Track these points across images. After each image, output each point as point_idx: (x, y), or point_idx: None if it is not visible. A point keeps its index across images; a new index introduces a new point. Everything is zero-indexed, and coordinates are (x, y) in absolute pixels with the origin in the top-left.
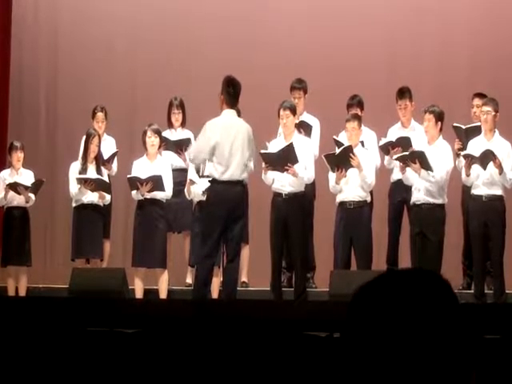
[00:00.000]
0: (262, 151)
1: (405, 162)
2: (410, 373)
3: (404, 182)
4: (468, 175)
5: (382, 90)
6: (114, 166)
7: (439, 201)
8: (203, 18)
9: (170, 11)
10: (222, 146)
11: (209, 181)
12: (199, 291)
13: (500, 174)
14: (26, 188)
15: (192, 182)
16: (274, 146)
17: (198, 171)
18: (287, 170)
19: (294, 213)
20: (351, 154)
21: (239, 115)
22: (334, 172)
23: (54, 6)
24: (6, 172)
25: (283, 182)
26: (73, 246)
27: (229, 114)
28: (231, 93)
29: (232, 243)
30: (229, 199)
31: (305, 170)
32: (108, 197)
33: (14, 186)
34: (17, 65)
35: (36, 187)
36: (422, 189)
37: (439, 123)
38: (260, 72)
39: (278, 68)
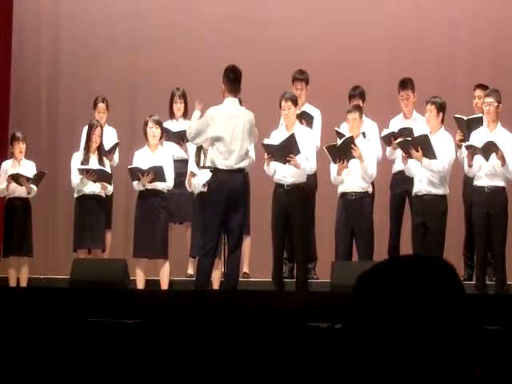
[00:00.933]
0: (264, 142)
1: (407, 150)
2: (414, 361)
3: (406, 172)
4: (470, 166)
5: (383, 82)
6: (116, 156)
7: (441, 191)
8: (205, 11)
9: (172, 3)
10: (224, 135)
11: (210, 170)
12: (200, 281)
13: (502, 165)
14: (28, 179)
15: (193, 174)
16: (276, 137)
17: (197, 163)
18: (289, 161)
19: (296, 204)
20: (353, 145)
21: (241, 104)
22: (335, 163)
23: (55, 3)
24: (8, 163)
25: (285, 173)
26: (74, 237)
27: (231, 102)
28: (231, 78)
29: (233, 234)
30: (229, 187)
31: (306, 161)
32: (110, 187)
33: (15, 177)
34: (18, 56)
35: (38, 178)
36: (424, 179)
37: (441, 114)
38: (262, 63)
39: (280, 59)
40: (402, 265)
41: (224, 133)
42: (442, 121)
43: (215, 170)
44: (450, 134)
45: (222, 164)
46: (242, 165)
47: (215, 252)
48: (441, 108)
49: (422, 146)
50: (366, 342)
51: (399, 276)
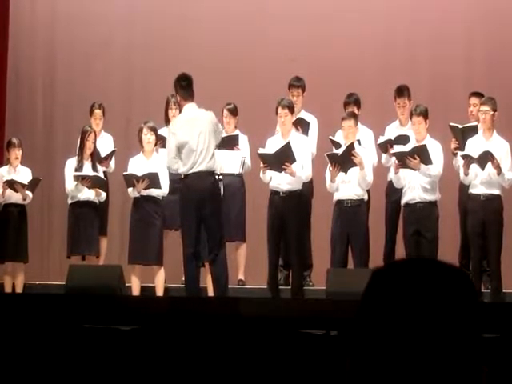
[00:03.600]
0: (260, 151)
1: (402, 159)
2: (423, 363)
3: (395, 183)
4: (466, 175)
5: (377, 89)
6: (112, 163)
7: (433, 197)
8: (201, 19)
9: (167, 12)
10: (187, 141)
11: (180, 178)
12: (188, 287)
13: (498, 174)
14: (23, 185)
15: None
16: (272, 144)
17: None
18: (285, 169)
19: (291, 211)
20: (353, 152)
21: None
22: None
23: (51, 6)
24: (4, 169)
25: (280, 180)
26: (68, 243)
27: (188, 107)
28: (184, 85)
29: (212, 237)
30: (198, 190)
31: (302, 169)
32: (104, 194)
33: (11, 184)
34: (14, 62)
35: (33, 185)
36: (417, 187)
37: (427, 121)
38: (258, 70)
39: (276, 66)
40: (417, 267)
41: (187, 139)
42: (427, 128)
43: (184, 176)
44: (436, 140)
45: (189, 170)
46: (210, 168)
47: (198, 257)
48: (426, 115)
49: (419, 155)
50: (376, 340)
51: (414, 277)
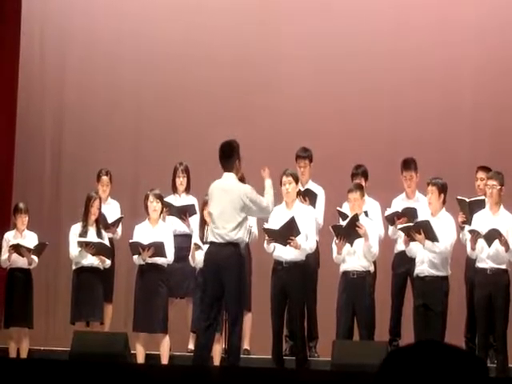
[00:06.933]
0: (265, 226)
1: (409, 233)
2: None
3: (407, 253)
4: (473, 249)
5: (385, 161)
6: (119, 230)
7: (443, 273)
8: (207, 89)
9: (174, 79)
10: (215, 209)
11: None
12: (196, 354)
13: (506, 251)
14: (29, 250)
15: (197, 247)
16: (276, 214)
17: (201, 238)
18: (289, 243)
19: (294, 281)
20: (357, 223)
21: (243, 180)
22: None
23: (60, 73)
24: (11, 234)
25: (283, 251)
26: (72, 309)
27: (225, 176)
28: (224, 154)
29: (229, 310)
30: (218, 260)
31: (306, 240)
32: (108, 261)
33: (17, 248)
34: (22, 128)
35: (39, 250)
36: (425, 261)
37: (442, 195)
38: (265, 139)
39: (283, 136)
40: (429, 351)
41: (215, 207)
42: (444, 202)
43: (210, 244)
44: (451, 215)
45: (212, 238)
46: (233, 238)
47: (211, 324)
48: (442, 189)
49: (423, 230)
50: None
51: (426, 362)
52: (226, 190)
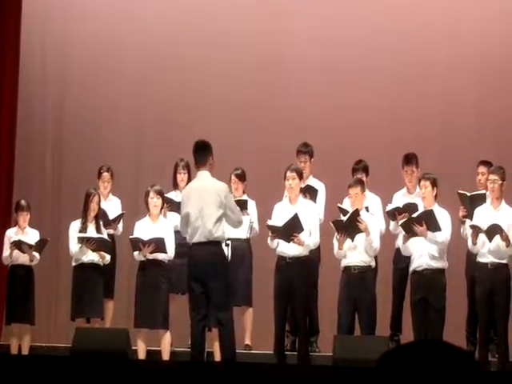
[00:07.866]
0: (268, 223)
1: (409, 229)
2: None
3: (402, 252)
4: (474, 244)
5: (386, 156)
6: (120, 226)
7: (440, 265)
8: (210, 86)
9: (176, 79)
10: (194, 207)
11: (188, 246)
12: (192, 349)
13: (507, 246)
14: (31, 246)
15: None
16: (279, 211)
17: None
18: (293, 239)
19: (298, 276)
20: (358, 219)
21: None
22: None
23: (61, 72)
24: (13, 230)
25: (287, 246)
26: (72, 306)
27: (200, 175)
28: (199, 152)
29: (215, 307)
30: (201, 260)
31: (310, 236)
32: (108, 257)
33: (18, 244)
34: (23, 125)
35: (40, 246)
36: (424, 254)
37: (435, 189)
38: (267, 135)
39: (285, 132)
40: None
41: (192, 208)
42: (436, 196)
43: (191, 246)
44: (444, 209)
45: (192, 239)
46: (214, 236)
47: (204, 323)
48: (435, 183)
49: (426, 222)
50: None
51: (422, 360)
52: (204, 188)
